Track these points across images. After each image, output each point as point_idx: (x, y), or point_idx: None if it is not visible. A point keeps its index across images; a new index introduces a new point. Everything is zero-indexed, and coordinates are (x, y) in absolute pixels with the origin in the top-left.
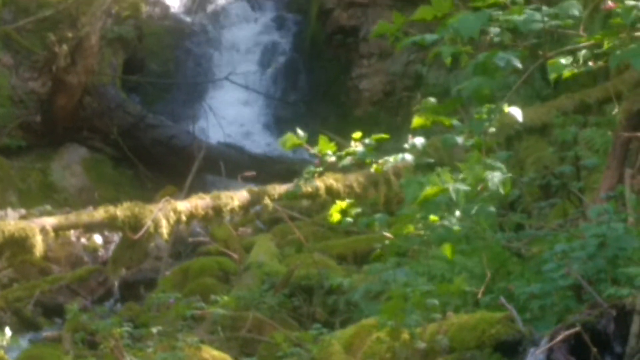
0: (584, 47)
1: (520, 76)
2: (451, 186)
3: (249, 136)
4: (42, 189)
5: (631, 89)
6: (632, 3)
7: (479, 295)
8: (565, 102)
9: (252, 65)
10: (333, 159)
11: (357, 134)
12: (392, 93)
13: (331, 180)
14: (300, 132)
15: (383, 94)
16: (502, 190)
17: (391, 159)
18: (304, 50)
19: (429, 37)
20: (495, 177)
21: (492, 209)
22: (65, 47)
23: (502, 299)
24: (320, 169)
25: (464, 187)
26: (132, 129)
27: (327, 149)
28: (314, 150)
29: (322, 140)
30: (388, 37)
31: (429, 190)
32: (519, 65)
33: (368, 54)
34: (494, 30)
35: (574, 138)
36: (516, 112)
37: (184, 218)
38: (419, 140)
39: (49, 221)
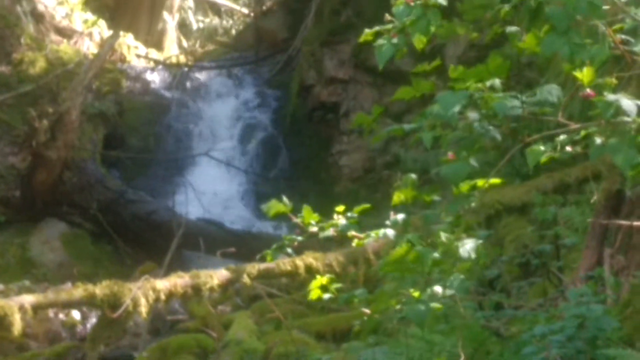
0: (563, 133)
1: (499, 153)
2: (420, 248)
3: (228, 212)
4: (21, 264)
5: (610, 169)
6: (612, 97)
7: None
8: (545, 181)
9: (232, 141)
10: (315, 229)
11: (340, 207)
12: (372, 170)
13: (310, 259)
14: (285, 200)
15: (363, 171)
16: (473, 257)
17: (373, 233)
18: (284, 126)
19: (407, 127)
20: (467, 245)
21: (467, 281)
22: (45, 122)
23: None
24: (301, 238)
25: (434, 254)
26: (111, 204)
27: (310, 219)
28: (297, 219)
29: (306, 210)
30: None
31: (398, 250)
32: (498, 136)
33: (348, 130)
34: (473, 115)
35: (554, 217)
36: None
37: (163, 297)
38: (401, 217)
39: (28, 299)
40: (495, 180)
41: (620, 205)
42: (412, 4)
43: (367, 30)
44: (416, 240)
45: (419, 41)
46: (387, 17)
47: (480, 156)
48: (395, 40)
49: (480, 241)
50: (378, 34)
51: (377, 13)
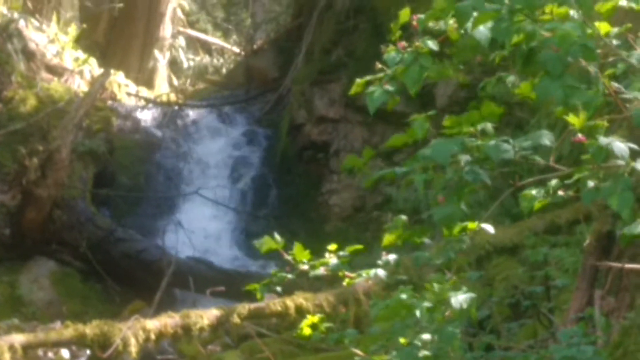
0: (554, 177)
1: (489, 193)
2: (414, 302)
3: (218, 251)
4: (9, 302)
5: (601, 211)
6: (604, 141)
7: None
8: (536, 222)
9: (223, 179)
10: (306, 267)
11: (333, 246)
12: (362, 209)
13: (301, 299)
14: (277, 236)
15: (353, 210)
16: (465, 309)
17: (364, 273)
18: (274, 165)
19: (399, 170)
20: (459, 297)
21: (457, 330)
22: (35, 160)
23: None
24: (291, 275)
25: (426, 304)
26: (101, 242)
27: (302, 256)
28: (289, 256)
29: (298, 247)
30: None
31: (391, 306)
32: (487, 180)
33: (338, 169)
34: (465, 158)
35: (544, 258)
36: (488, 227)
37: (153, 337)
38: (392, 257)
39: (18, 339)
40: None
41: (611, 247)
42: (403, 50)
43: (357, 80)
44: (408, 293)
45: (412, 87)
46: (378, 65)
47: (471, 196)
48: (387, 87)
49: (474, 295)
50: (369, 83)
51: (367, 52)
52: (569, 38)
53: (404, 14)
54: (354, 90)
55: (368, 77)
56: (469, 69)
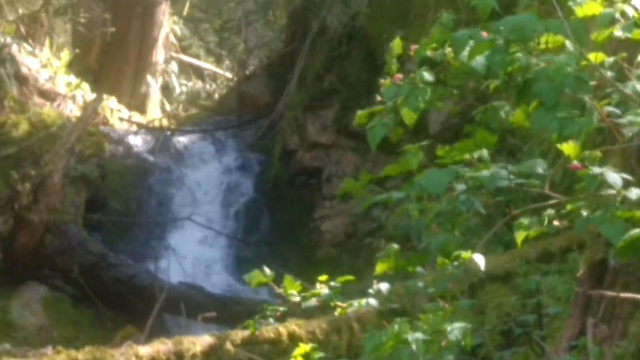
0: (549, 206)
1: (481, 221)
2: (410, 336)
3: (210, 276)
4: (1, 327)
5: (594, 239)
6: (598, 170)
7: None
8: (529, 250)
9: (215, 204)
10: (297, 299)
11: (323, 277)
12: (354, 235)
13: (294, 326)
14: (266, 270)
15: (345, 236)
16: (462, 342)
17: (356, 303)
18: (266, 191)
19: (395, 194)
20: (456, 329)
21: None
22: (27, 185)
23: None
24: (283, 308)
25: (423, 337)
26: (93, 267)
27: (292, 288)
28: (280, 290)
29: (288, 280)
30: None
31: (387, 341)
32: (481, 210)
33: (330, 195)
34: (460, 187)
35: (537, 286)
36: (479, 260)
37: None
38: (384, 286)
39: None
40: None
41: (604, 275)
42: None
43: (359, 112)
44: (404, 326)
45: (409, 118)
46: (377, 98)
47: (463, 223)
48: (386, 121)
49: (470, 326)
50: (371, 115)
51: (360, 78)
52: (563, 70)
53: (397, 45)
54: (357, 121)
55: (369, 110)
56: (462, 95)
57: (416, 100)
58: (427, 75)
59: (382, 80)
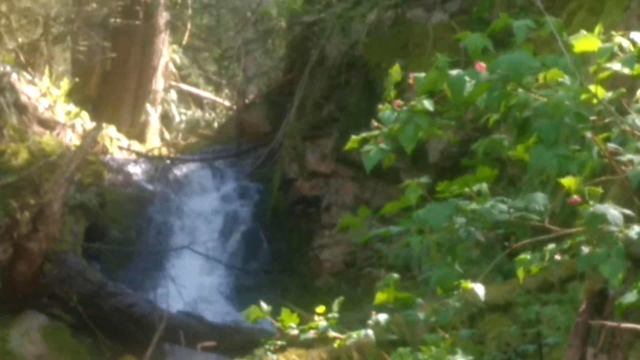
0: (549, 240)
1: (481, 251)
2: None
3: (209, 305)
4: (0, 356)
5: (593, 269)
6: (599, 208)
7: None
8: (529, 280)
9: (214, 233)
10: (296, 332)
11: (321, 308)
12: (353, 264)
13: (294, 356)
14: (263, 304)
15: (344, 265)
16: None
17: (354, 334)
18: (265, 220)
19: (394, 229)
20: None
21: None
22: (27, 213)
23: None
24: (281, 342)
25: None
26: (92, 296)
27: (290, 321)
28: (278, 323)
29: (285, 312)
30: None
31: None
32: (481, 238)
33: (329, 224)
34: (460, 220)
35: (537, 316)
36: (479, 290)
37: None
38: (383, 317)
39: None
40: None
41: (604, 305)
42: (398, 108)
43: (353, 137)
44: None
45: (408, 146)
46: (374, 123)
47: (463, 254)
48: (382, 146)
49: (471, 358)
50: (364, 140)
51: (359, 107)
52: (562, 106)
53: (396, 71)
54: (349, 146)
55: (363, 134)
56: (461, 125)
57: (415, 127)
58: (427, 104)
59: (380, 106)
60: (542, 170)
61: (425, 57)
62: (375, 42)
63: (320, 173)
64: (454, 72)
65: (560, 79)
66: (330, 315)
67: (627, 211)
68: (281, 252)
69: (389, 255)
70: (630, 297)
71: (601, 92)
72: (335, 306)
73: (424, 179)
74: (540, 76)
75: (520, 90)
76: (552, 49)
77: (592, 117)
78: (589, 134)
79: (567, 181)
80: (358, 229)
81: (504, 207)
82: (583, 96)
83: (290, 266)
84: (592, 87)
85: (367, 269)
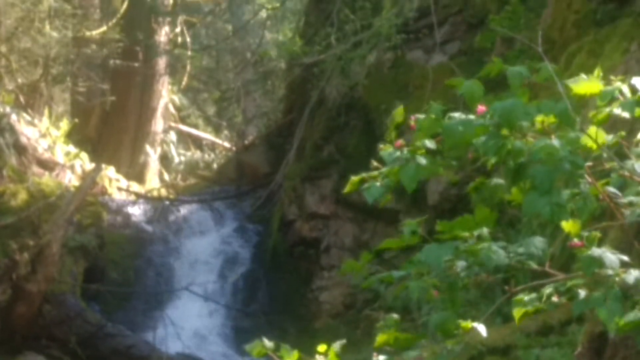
0: (548, 283)
1: (480, 292)
2: None
3: (208, 346)
4: None
5: (593, 311)
6: (597, 252)
7: None
8: (528, 323)
9: (213, 275)
10: None
11: (322, 347)
12: (352, 306)
13: None
14: (266, 341)
15: (343, 307)
16: None
17: None
18: (264, 261)
19: (396, 273)
20: None
21: None
22: (26, 254)
23: None
24: None
25: None
26: (91, 337)
27: (289, 359)
28: None
29: (284, 350)
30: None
31: None
32: (481, 280)
33: (329, 266)
34: (460, 264)
35: (536, 359)
36: (481, 330)
37: None
38: (383, 359)
39: None
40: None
41: (604, 348)
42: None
43: (352, 178)
44: None
45: (409, 186)
46: (373, 163)
47: (462, 295)
48: (383, 184)
49: None
50: (363, 181)
51: (358, 149)
52: (556, 154)
53: (399, 113)
54: (348, 189)
55: (362, 175)
56: (461, 166)
57: (417, 166)
58: (429, 143)
59: (380, 145)
60: (538, 214)
61: (424, 99)
62: (374, 84)
63: (319, 214)
64: (455, 115)
65: (557, 124)
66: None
67: (624, 257)
68: (280, 294)
69: (387, 297)
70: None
71: (601, 137)
72: (337, 348)
73: (423, 218)
74: (538, 119)
75: (514, 136)
76: (552, 91)
77: (589, 163)
78: (584, 182)
79: (568, 225)
80: (360, 273)
81: (503, 252)
82: (583, 141)
83: (290, 308)
84: (592, 130)
85: (367, 311)
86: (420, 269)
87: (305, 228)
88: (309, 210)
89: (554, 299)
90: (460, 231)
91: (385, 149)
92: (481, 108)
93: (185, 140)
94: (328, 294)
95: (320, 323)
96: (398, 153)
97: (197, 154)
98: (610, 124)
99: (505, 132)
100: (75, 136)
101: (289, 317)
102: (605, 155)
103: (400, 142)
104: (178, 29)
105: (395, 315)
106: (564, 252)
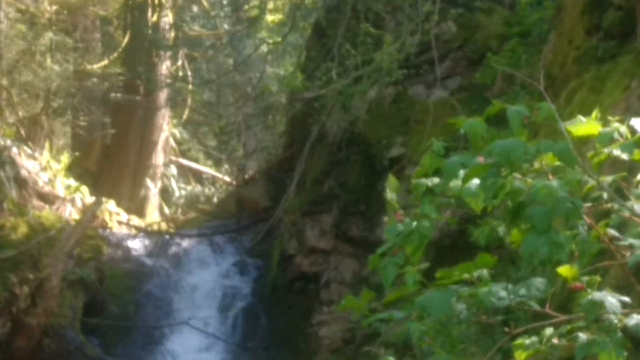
0: (549, 325)
1: (479, 328)
2: None
3: None
4: None
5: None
6: (597, 296)
7: None
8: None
9: (212, 309)
10: None
11: None
12: (352, 341)
13: None
14: None
15: (343, 342)
16: None
17: None
18: (264, 296)
19: (397, 314)
20: None
21: None
22: (26, 288)
23: None
24: None
25: None
26: None
27: None
28: None
29: None
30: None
31: None
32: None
33: (328, 300)
34: (461, 307)
35: None
36: None
37: None
38: None
39: None
40: None
41: None
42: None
43: (371, 257)
44: None
45: (414, 256)
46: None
47: (462, 331)
48: (397, 259)
49: None
50: (382, 255)
51: (359, 183)
52: (554, 194)
53: (392, 182)
54: (371, 266)
55: (381, 249)
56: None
57: (420, 237)
58: (430, 209)
59: (385, 218)
60: (536, 254)
61: (425, 134)
62: (375, 119)
63: (319, 249)
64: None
65: (556, 163)
66: None
67: (625, 298)
68: (280, 329)
69: (387, 333)
70: None
71: (602, 177)
72: None
73: (423, 266)
74: (538, 159)
75: (513, 176)
76: (552, 128)
77: (588, 204)
78: (583, 223)
79: (564, 270)
80: (360, 311)
81: (503, 293)
82: (583, 178)
83: (289, 343)
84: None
85: (366, 347)
86: (420, 312)
87: (305, 263)
88: (309, 245)
89: (555, 340)
90: (461, 276)
91: (390, 224)
92: (480, 159)
93: (186, 174)
94: (328, 329)
95: (320, 358)
96: (401, 227)
97: (198, 188)
98: (609, 163)
99: (504, 170)
100: (75, 169)
101: (288, 352)
102: (605, 195)
103: (400, 214)
104: (179, 63)
105: (391, 358)
106: (563, 290)
